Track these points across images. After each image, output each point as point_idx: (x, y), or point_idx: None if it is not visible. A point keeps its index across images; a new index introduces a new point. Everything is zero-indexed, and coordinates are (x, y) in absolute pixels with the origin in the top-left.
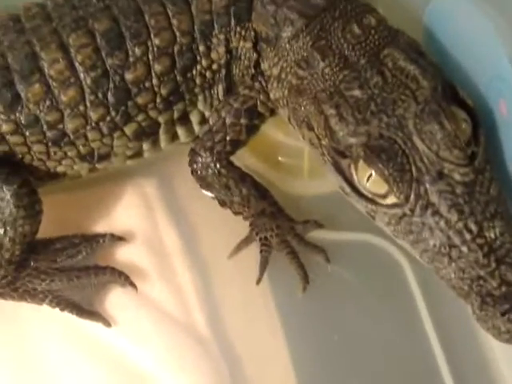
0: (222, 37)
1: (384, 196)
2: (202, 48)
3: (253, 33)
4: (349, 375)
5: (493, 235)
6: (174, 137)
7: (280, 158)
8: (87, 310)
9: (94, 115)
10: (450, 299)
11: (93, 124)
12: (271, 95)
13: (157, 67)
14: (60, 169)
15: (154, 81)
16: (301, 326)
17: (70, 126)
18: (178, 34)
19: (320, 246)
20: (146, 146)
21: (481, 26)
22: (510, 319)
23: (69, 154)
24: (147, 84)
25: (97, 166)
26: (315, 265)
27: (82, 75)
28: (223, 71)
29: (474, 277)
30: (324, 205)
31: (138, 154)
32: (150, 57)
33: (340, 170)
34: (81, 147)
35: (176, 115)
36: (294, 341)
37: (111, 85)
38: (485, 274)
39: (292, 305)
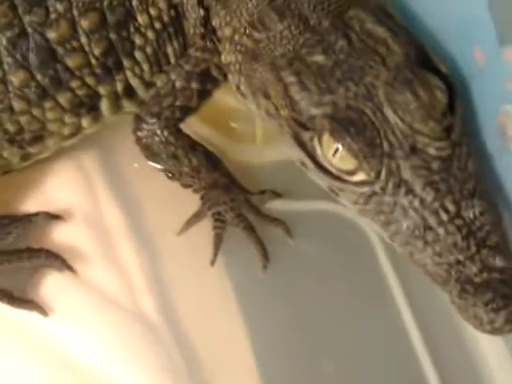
0: None
1: (352, 173)
2: (135, 2)
3: None
4: (311, 354)
5: (472, 215)
6: (118, 108)
7: (232, 124)
8: (20, 298)
9: (15, 80)
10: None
11: (16, 91)
12: (222, 58)
13: (83, 23)
14: None
15: (83, 39)
16: (260, 305)
17: None
18: None
19: (279, 218)
20: (85, 122)
21: None
22: (494, 309)
23: None
24: (75, 43)
25: (29, 149)
26: (274, 239)
27: None
28: (171, 30)
29: (452, 262)
30: (281, 173)
31: (76, 132)
32: (75, 12)
33: (301, 144)
34: (8, 124)
35: (119, 87)
36: (253, 321)
37: (32, 45)
38: (464, 259)
39: (250, 283)
